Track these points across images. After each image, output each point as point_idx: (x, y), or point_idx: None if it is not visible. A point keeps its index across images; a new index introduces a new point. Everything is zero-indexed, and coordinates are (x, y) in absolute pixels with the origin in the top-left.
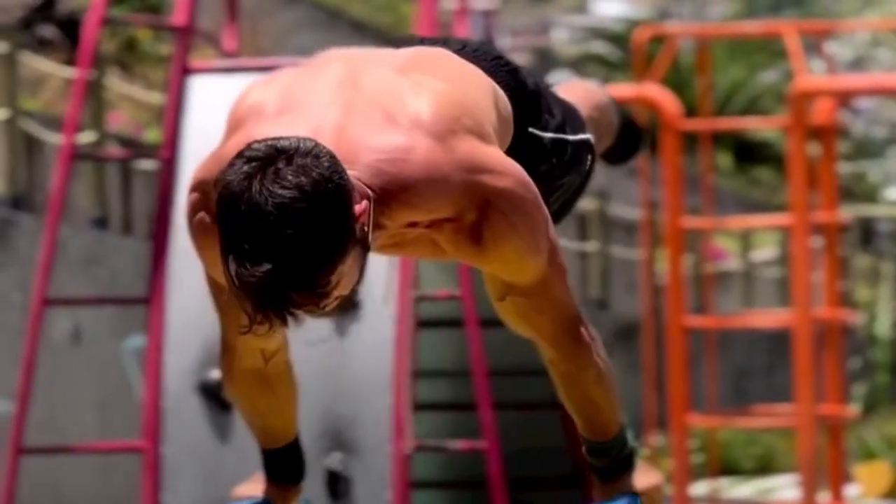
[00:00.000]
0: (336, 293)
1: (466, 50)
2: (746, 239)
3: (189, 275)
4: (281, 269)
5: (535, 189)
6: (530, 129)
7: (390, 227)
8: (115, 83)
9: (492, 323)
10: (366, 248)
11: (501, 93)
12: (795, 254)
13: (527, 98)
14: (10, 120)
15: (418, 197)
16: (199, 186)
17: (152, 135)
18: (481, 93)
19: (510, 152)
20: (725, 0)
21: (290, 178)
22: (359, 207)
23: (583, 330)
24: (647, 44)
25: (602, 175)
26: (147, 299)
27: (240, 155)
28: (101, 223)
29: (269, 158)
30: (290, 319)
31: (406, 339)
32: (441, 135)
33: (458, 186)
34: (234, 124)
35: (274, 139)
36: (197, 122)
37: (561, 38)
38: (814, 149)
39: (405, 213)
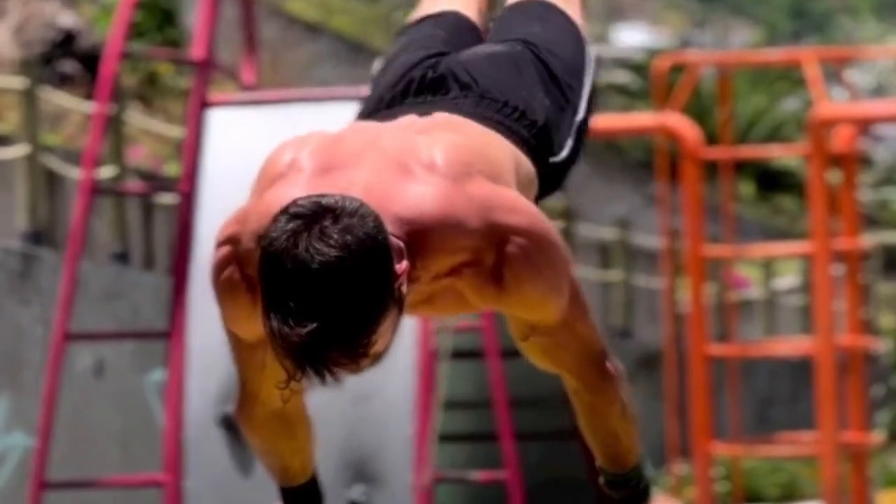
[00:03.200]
0: (374, 352)
1: (475, 96)
2: (768, 267)
3: (209, 308)
4: (325, 328)
5: (554, 230)
6: (551, 161)
7: (422, 278)
8: (136, 117)
9: (513, 353)
10: (402, 309)
11: (523, 157)
12: (817, 281)
13: (540, 139)
14: (31, 155)
15: (439, 240)
16: (228, 241)
17: (173, 169)
18: (500, 151)
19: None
20: (747, 27)
21: (335, 237)
22: (399, 267)
23: (608, 364)
24: (668, 72)
25: (623, 204)
26: (168, 333)
27: (284, 211)
28: (123, 258)
29: (315, 216)
30: (328, 377)
31: (427, 370)
32: (455, 177)
33: (475, 226)
34: (267, 182)
35: (318, 196)
36: (216, 156)
37: None
38: (835, 176)
39: (430, 261)
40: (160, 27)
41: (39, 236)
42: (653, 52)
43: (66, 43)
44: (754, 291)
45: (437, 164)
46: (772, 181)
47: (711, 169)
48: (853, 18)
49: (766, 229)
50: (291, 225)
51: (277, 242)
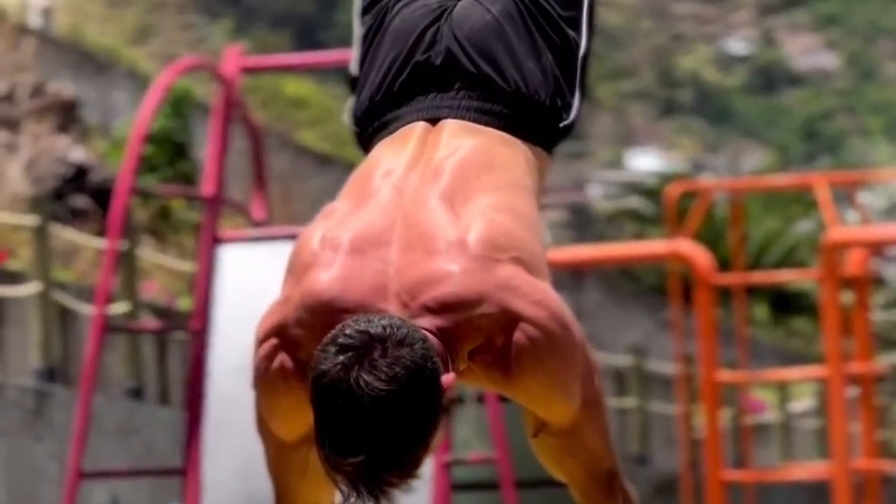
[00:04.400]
0: (423, 462)
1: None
2: (784, 390)
3: (224, 443)
4: (378, 458)
5: (576, 333)
6: (561, 126)
7: (460, 367)
8: (148, 252)
9: (528, 485)
10: (449, 413)
11: (534, 157)
12: (832, 405)
13: (548, 116)
14: (44, 292)
15: (467, 326)
16: (273, 332)
17: (186, 303)
18: (528, 222)
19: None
20: (760, 150)
21: (385, 370)
22: (446, 380)
23: (615, 483)
24: (681, 197)
25: (638, 330)
26: (182, 470)
27: (333, 342)
28: (137, 393)
29: (365, 348)
30: (381, 497)
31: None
32: (481, 258)
33: (491, 305)
34: (302, 267)
35: (366, 324)
36: (228, 292)
37: (596, 195)
38: (848, 297)
39: (461, 346)
40: (171, 161)
41: (53, 373)
42: (665, 177)
43: (77, 178)
44: (770, 415)
45: (469, 245)
46: (786, 303)
47: (725, 293)
48: (865, 140)
49: (781, 352)
50: (342, 358)
51: (329, 376)
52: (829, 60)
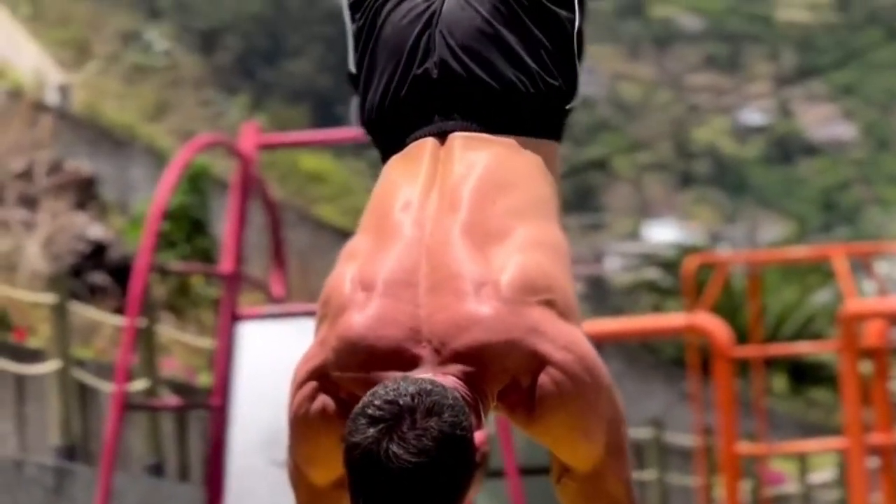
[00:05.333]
0: None
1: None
2: (804, 461)
3: None
4: None
5: (603, 380)
6: (568, 108)
7: (490, 405)
8: (167, 329)
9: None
10: (484, 466)
11: (548, 163)
12: (852, 476)
13: (554, 109)
14: (63, 370)
15: (494, 369)
16: (313, 375)
17: (205, 379)
18: (557, 253)
19: None
20: (777, 221)
21: (413, 442)
22: (478, 437)
23: None
24: (699, 270)
25: (657, 402)
26: None
27: (364, 413)
28: (157, 469)
29: (393, 420)
30: None
31: None
32: (513, 301)
33: (520, 349)
34: (335, 310)
35: (394, 394)
36: (247, 369)
37: (614, 267)
38: (868, 368)
39: (490, 388)
40: (189, 237)
41: (73, 451)
42: (683, 249)
43: (95, 255)
44: (790, 486)
45: (501, 288)
46: (805, 374)
47: (744, 364)
48: (883, 210)
49: (800, 423)
50: (372, 431)
51: (360, 448)
52: (845, 131)
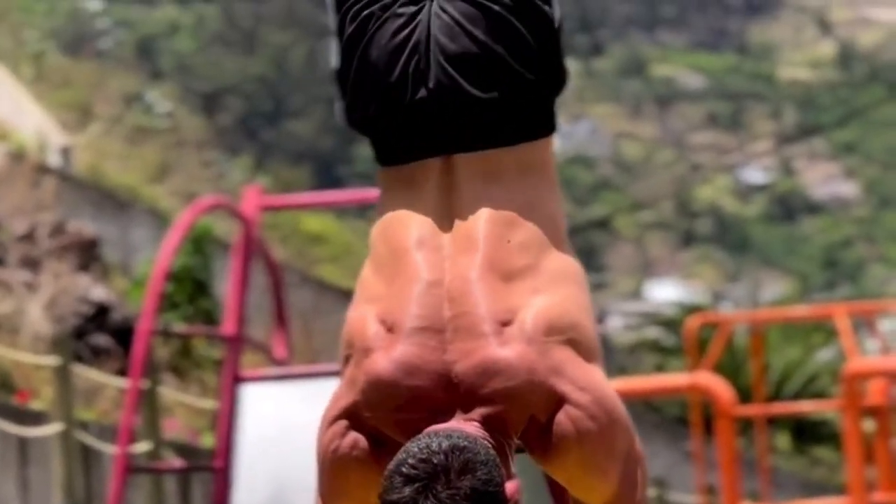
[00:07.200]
0: None
1: None
2: None
3: None
4: None
5: (620, 420)
6: (558, 96)
7: (514, 446)
8: (169, 391)
9: None
10: None
11: (579, 269)
12: None
13: (545, 106)
14: (66, 432)
15: (514, 401)
16: (344, 414)
17: (208, 440)
18: (577, 287)
19: None
20: (780, 279)
21: (448, 502)
22: (510, 488)
23: None
24: (701, 329)
25: (659, 461)
26: None
27: (398, 471)
28: None
29: (429, 478)
30: None
31: None
32: (537, 342)
33: (541, 388)
34: (362, 351)
35: (428, 453)
36: (250, 430)
37: (616, 326)
38: (871, 426)
39: (512, 430)
40: (192, 298)
41: None
42: (685, 308)
43: (98, 317)
44: None
45: (526, 329)
46: (808, 432)
47: (747, 423)
48: (885, 268)
49: (803, 482)
50: (407, 490)
51: None
52: (847, 188)
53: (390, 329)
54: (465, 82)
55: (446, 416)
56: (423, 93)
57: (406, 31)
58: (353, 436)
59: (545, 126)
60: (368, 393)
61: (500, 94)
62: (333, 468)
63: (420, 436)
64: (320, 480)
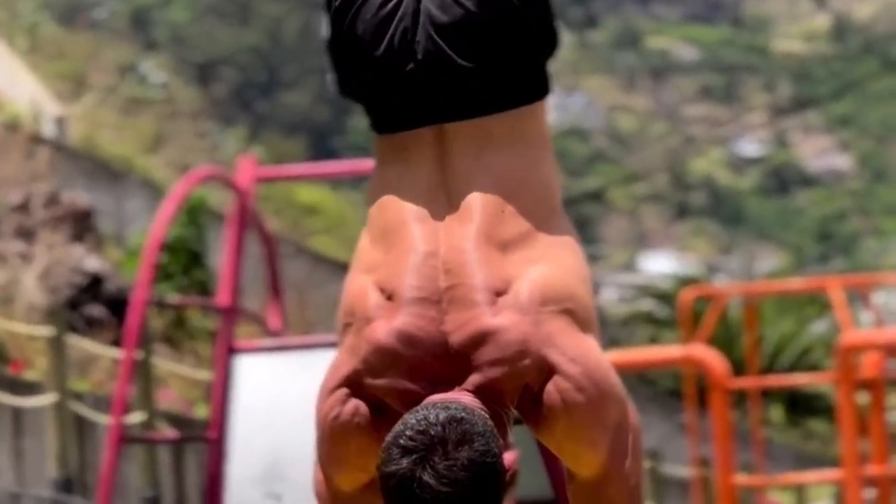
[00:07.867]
0: None
1: None
2: (801, 492)
3: None
4: None
5: (611, 391)
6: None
7: (512, 414)
8: (163, 361)
9: None
10: (514, 483)
11: (578, 248)
12: None
13: (540, 77)
14: (60, 402)
15: (509, 370)
16: (344, 382)
17: (202, 411)
18: (573, 258)
19: None
20: (774, 252)
21: (446, 473)
22: (508, 459)
23: None
24: (695, 302)
25: (653, 434)
26: None
27: (396, 443)
28: (154, 502)
29: (426, 450)
30: None
31: None
32: (532, 311)
33: (533, 358)
34: (362, 320)
35: (425, 424)
36: (244, 402)
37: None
38: (864, 399)
39: (507, 398)
40: (186, 269)
41: (70, 483)
42: (679, 280)
43: (92, 287)
44: None
45: (521, 299)
46: (801, 405)
47: (740, 395)
48: (879, 241)
49: (797, 454)
50: (405, 462)
51: (395, 478)
52: (842, 161)
53: (389, 297)
54: (454, 52)
55: (445, 386)
56: (411, 65)
57: (392, 4)
58: (355, 403)
59: (538, 90)
60: (370, 361)
61: (489, 62)
62: (334, 435)
63: (418, 407)
64: (320, 448)
